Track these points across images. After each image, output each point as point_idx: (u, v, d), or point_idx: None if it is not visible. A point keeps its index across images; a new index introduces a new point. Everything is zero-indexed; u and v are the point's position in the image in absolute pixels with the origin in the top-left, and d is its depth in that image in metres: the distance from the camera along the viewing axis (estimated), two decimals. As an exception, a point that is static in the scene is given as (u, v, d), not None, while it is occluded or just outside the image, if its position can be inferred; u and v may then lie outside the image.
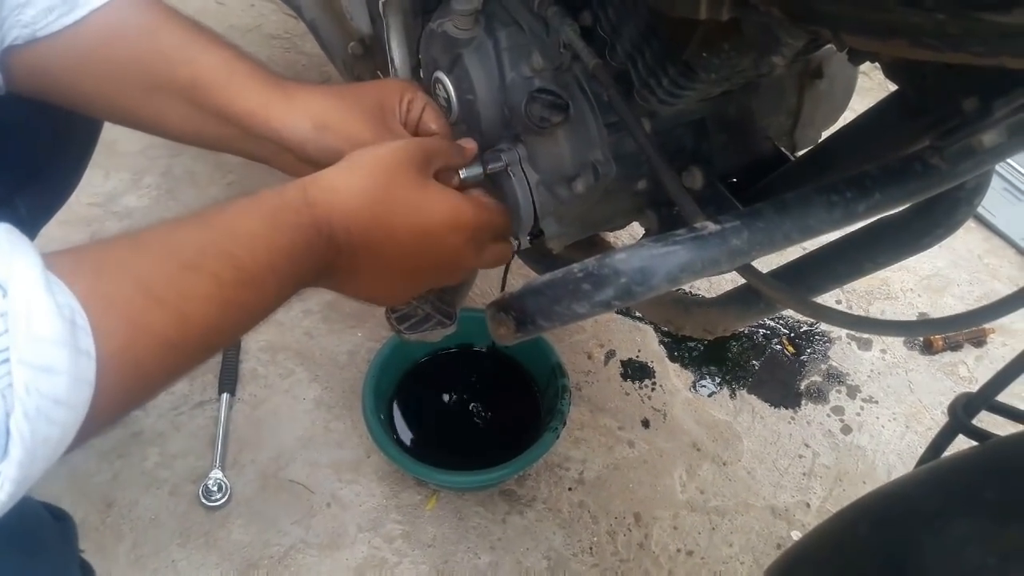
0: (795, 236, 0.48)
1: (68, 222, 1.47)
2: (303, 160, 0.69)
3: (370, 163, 0.60)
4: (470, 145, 0.72)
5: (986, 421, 0.62)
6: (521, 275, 1.49)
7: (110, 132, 0.94)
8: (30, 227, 0.85)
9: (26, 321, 0.37)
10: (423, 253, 0.64)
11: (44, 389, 0.37)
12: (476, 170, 0.72)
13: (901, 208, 0.53)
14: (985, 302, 1.62)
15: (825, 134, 0.80)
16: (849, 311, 1.47)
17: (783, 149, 0.77)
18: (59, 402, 0.38)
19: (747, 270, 0.54)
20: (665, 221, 0.79)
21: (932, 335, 1.42)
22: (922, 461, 0.64)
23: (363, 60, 1.06)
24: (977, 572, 0.47)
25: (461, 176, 0.71)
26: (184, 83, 0.66)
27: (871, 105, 0.66)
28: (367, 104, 0.70)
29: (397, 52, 0.86)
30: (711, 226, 0.45)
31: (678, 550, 1.16)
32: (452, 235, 0.64)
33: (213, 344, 0.49)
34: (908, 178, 0.50)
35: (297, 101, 0.67)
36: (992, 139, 0.47)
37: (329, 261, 0.57)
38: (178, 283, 0.45)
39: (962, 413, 0.60)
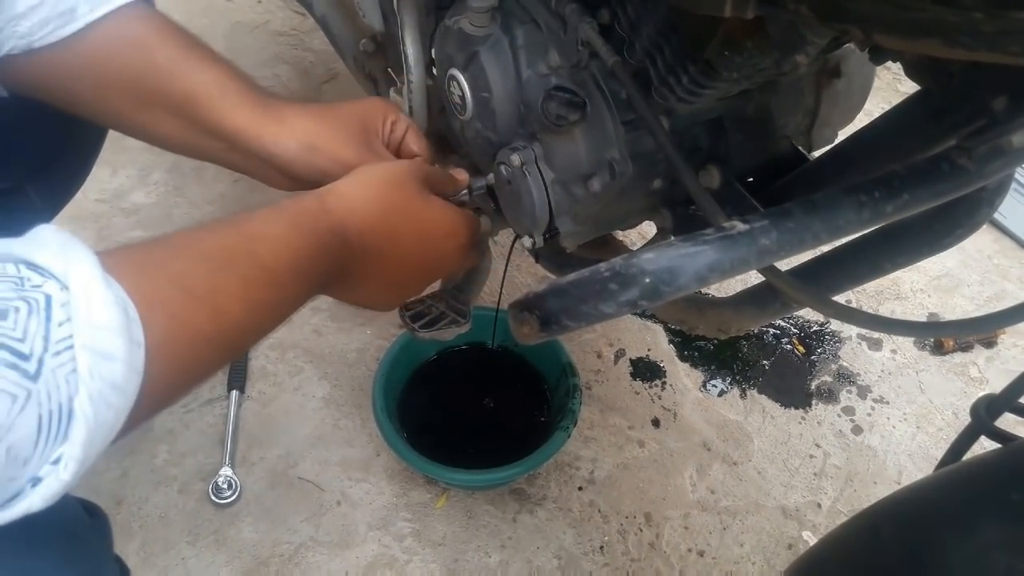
0: (824, 236, 0.47)
1: (77, 218, 1.47)
2: (287, 176, 0.72)
3: (380, 176, 0.65)
4: (462, 176, 0.78)
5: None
6: (531, 273, 1.49)
7: (120, 128, 0.94)
8: (44, 216, 0.86)
9: (87, 310, 0.39)
10: (422, 257, 0.69)
11: (105, 374, 0.39)
12: (462, 192, 0.77)
13: (926, 209, 0.52)
14: (995, 303, 1.61)
15: (842, 134, 0.80)
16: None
17: (801, 148, 0.76)
18: (116, 387, 0.40)
19: (769, 270, 0.53)
20: (680, 220, 0.79)
21: (957, 336, 1.41)
22: (943, 463, 0.64)
23: (374, 57, 1.06)
24: (1004, 577, 0.47)
25: (449, 198, 0.75)
26: (177, 98, 0.68)
27: (881, 104, 0.65)
28: (353, 126, 0.74)
29: (411, 49, 0.85)
30: (740, 225, 0.45)
31: (689, 550, 1.15)
32: (448, 243, 0.70)
33: (241, 342, 0.52)
34: (936, 179, 0.49)
35: (287, 122, 0.70)
36: (1022, 139, 0.46)
37: (342, 264, 0.60)
38: (212, 282, 0.48)
39: (985, 414, 0.59)
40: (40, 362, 0.37)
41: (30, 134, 0.77)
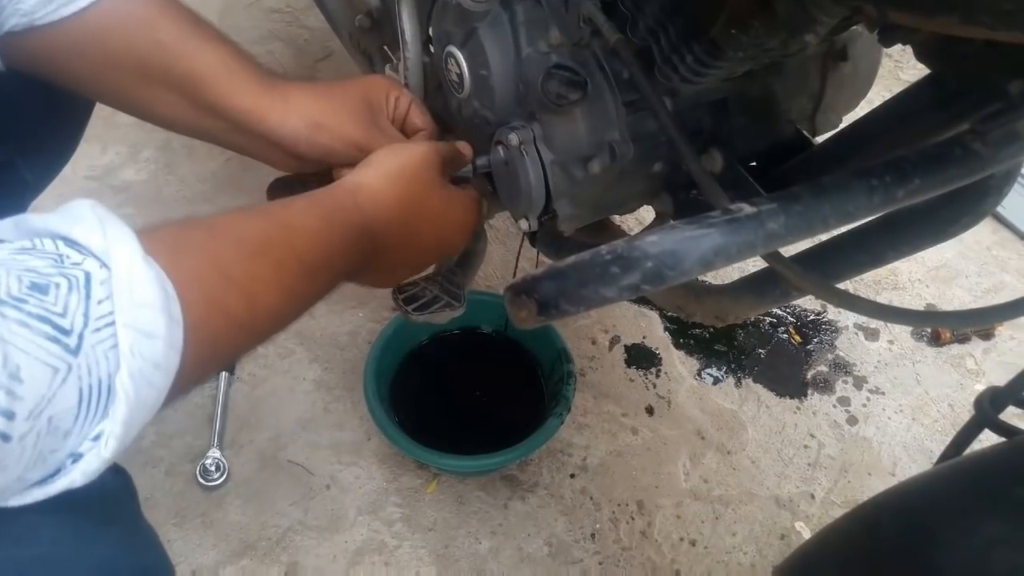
0: (833, 221, 0.46)
1: (66, 195, 1.43)
2: (290, 155, 0.72)
3: (401, 170, 0.66)
4: (467, 150, 0.78)
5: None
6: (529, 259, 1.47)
7: (109, 103, 0.92)
8: (34, 190, 0.86)
9: (128, 288, 0.39)
10: (432, 244, 0.72)
11: (146, 353, 0.39)
12: (466, 168, 0.77)
13: (936, 195, 0.51)
14: (994, 294, 1.59)
15: (846, 120, 0.78)
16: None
17: (805, 133, 0.75)
18: (157, 366, 0.40)
19: (773, 256, 0.52)
20: (681, 205, 0.77)
21: (955, 328, 1.40)
22: (944, 457, 0.62)
23: (370, 34, 1.04)
24: (1008, 575, 0.46)
25: (451, 174, 0.76)
26: (181, 77, 0.68)
27: (882, 93, 0.64)
28: (357, 103, 0.74)
29: (408, 25, 0.83)
30: (747, 208, 0.43)
31: (681, 539, 1.15)
32: (457, 229, 0.73)
33: (272, 328, 0.53)
34: (948, 163, 0.48)
35: (292, 101, 0.70)
36: (1038, 124, 0.45)
37: (368, 257, 0.62)
38: (248, 268, 0.49)
39: (989, 407, 0.58)
40: (80, 337, 0.38)
41: (23, 107, 0.77)
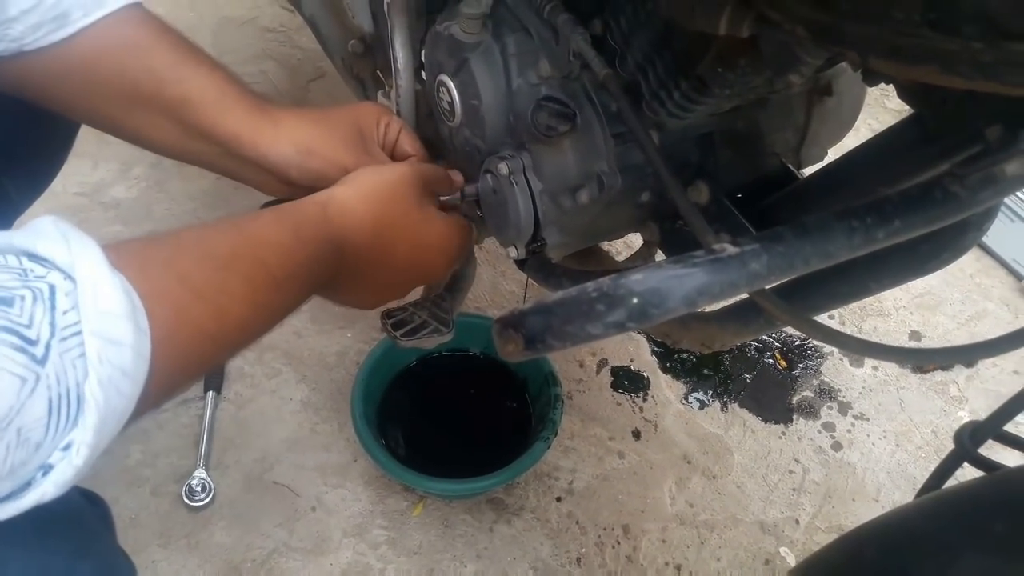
0: (815, 261, 0.47)
1: (54, 211, 1.43)
2: (282, 181, 0.72)
3: (378, 187, 0.66)
4: (458, 178, 0.79)
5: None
6: (517, 281, 1.47)
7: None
8: (18, 207, 0.85)
9: (93, 297, 0.39)
10: (410, 268, 0.71)
11: (114, 360, 0.39)
12: (454, 195, 0.78)
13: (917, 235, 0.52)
14: (977, 322, 1.60)
15: (832, 152, 0.79)
16: (842, 328, 1.46)
17: (790, 167, 0.76)
18: (126, 373, 0.40)
19: (757, 291, 0.52)
20: (668, 233, 0.78)
21: (940, 362, 1.41)
22: (925, 489, 0.63)
23: (363, 59, 1.04)
24: (987, 610, 0.46)
25: (440, 199, 0.76)
26: (172, 102, 0.68)
27: (868, 120, 0.65)
28: (348, 129, 0.74)
29: (400, 53, 0.84)
30: (730, 249, 0.44)
31: (666, 563, 1.15)
32: (438, 255, 0.72)
33: (242, 341, 0.53)
34: (928, 205, 0.49)
35: (283, 127, 0.71)
36: (1015, 168, 0.46)
37: (337, 273, 0.62)
38: (216, 281, 0.49)
39: (968, 441, 0.59)
40: (47, 347, 0.37)
41: (8, 125, 0.76)
